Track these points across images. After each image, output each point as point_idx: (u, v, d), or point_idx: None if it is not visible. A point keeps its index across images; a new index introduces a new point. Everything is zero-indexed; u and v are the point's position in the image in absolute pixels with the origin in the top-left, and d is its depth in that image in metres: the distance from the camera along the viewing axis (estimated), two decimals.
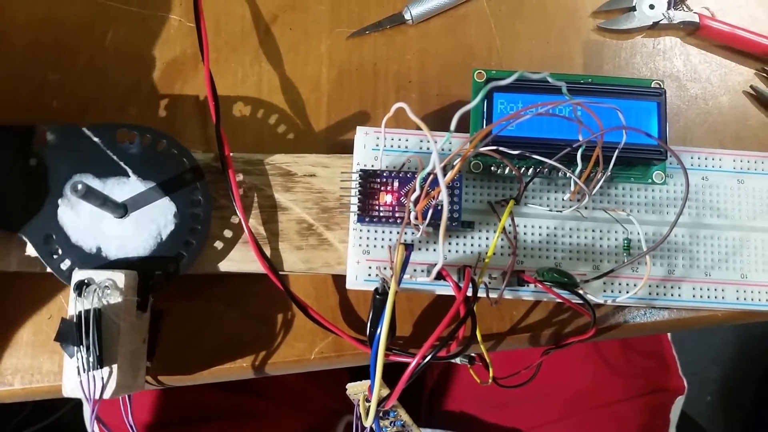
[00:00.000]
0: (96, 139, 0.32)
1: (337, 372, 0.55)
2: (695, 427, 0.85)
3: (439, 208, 0.29)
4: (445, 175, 0.28)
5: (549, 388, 0.61)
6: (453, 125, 0.23)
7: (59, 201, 0.32)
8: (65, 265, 0.31)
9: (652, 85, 0.32)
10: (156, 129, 0.32)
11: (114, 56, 0.36)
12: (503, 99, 0.31)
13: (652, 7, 0.37)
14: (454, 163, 0.27)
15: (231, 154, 0.33)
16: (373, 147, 0.32)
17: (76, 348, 0.28)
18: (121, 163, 0.32)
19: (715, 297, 0.32)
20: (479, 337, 0.31)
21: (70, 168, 0.32)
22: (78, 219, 0.31)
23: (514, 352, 0.36)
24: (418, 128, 0.35)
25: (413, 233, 0.31)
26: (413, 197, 0.26)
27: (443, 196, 0.21)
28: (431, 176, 0.26)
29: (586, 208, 0.32)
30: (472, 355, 0.32)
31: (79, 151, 0.32)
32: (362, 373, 0.31)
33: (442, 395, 0.62)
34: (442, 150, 0.32)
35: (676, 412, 0.63)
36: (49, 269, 0.31)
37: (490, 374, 0.32)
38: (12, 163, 0.32)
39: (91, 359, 0.28)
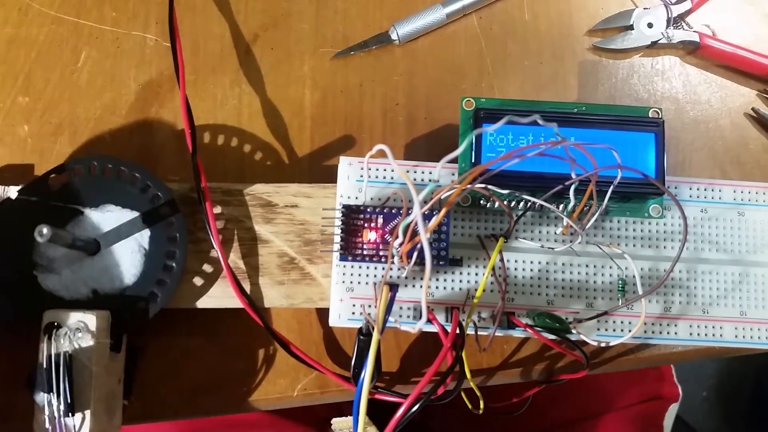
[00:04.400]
0: (33, 199, 0.31)
1: None
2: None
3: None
4: (431, 218, 0.27)
5: (541, 399, 0.60)
6: (437, 173, 0.22)
7: (35, 273, 0.30)
8: (33, 303, 0.30)
9: (650, 114, 0.30)
10: (125, 161, 0.31)
11: (87, 78, 0.35)
12: (492, 131, 0.30)
13: (650, 25, 0.35)
14: (444, 198, 0.25)
15: (209, 184, 0.31)
16: (357, 178, 0.31)
17: (46, 395, 0.27)
18: (68, 206, 0.31)
19: (713, 335, 0.30)
20: (468, 376, 0.30)
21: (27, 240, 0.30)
22: (61, 279, 0.30)
23: None
24: (405, 158, 0.34)
25: (399, 269, 0.30)
26: (397, 243, 0.25)
27: (426, 261, 0.19)
28: (414, 224, 0.24)
29: (579, 243, 0.30)
30: None
31: (26, 217, 0.31)
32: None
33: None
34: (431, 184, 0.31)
35: (670, 419, 0.63)
36: None
37: (481, 406, 0.31)
38: None
39: (62, 407, 0.27)
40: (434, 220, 0.25)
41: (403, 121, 0.35)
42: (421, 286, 0.30)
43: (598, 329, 0.30)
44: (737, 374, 1.07)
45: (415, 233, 0.26)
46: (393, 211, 0.29)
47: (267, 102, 0.35)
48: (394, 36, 0.35)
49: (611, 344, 0.29)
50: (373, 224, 0.29)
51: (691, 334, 0.30)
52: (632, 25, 0.35)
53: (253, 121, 0.35)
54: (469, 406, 0.32)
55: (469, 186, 0.25)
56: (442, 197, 0.26)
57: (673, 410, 0.63)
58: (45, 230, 0.26)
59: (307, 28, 0.36)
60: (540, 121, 0.23)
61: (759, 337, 0.31)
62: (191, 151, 0.31)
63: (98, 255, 0.30)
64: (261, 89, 0.35)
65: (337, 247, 0.29)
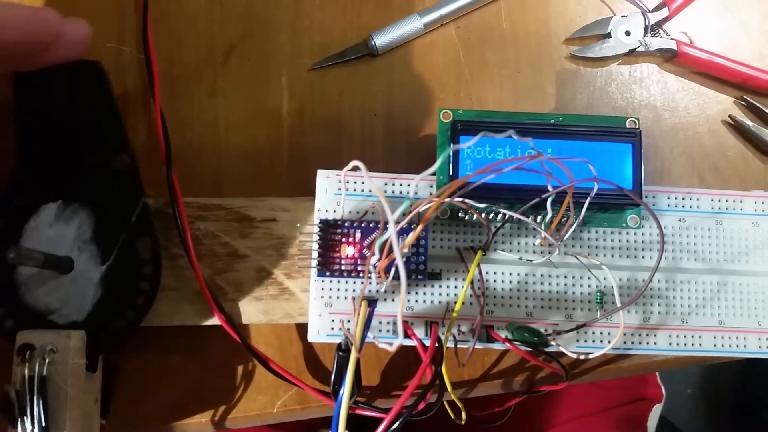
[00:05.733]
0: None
1: None
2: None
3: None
4: (409, 232, 0.27)
5: (525, 403, 0.60)
6: (412, 192, 0.22)
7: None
8: (8, 323, 0.29)
9: (627, 124, 0.30)
10: None
11: None
12: (467, 143, 0.29)
13: (628, 33, 0.35)
14: (422, 212, 0.25)
15: (184, 199, 0.31)
16: (335, 192, 0.31)
17: (19, 419, 0.27)
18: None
19: (692, 344, 0.31)
20: (449, 389, 0.29)
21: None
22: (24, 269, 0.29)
23: None
24: (385, 168, 0.34)
25: (378, 284, 0.30)
26: (373, 260, 0.25)
27: (402, 282, 0.19)
28: (389, 242, 0.24)
29: (557, 254, 0.30)
30: None
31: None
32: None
33: None
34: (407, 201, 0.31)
35: (654, 420, 0.63)
36: None
37: (463, 416, 0.31)
38: None
39: (36, 430, 0.27)
40: (411, 236, 0.25)
41: (381, 131, 0.35)
42: (398, 302, 0.30)
43: (578, 341, 0.30)
44: (721, 372, 1.08)
45: (391, 250, 0.26)
46: (371, 225, 0.29)
47: (244, 114, 0.34)
48: (371, 46, 0.35)
49: (590, 356, 0.29)
50: (351, 239, 0.29)
51: (670, 344, 0.30)
52: (610, 33, 0.35)
53: (229, 134, 0.34)
54: (452, 416, 0.32)
55: (446, 200, 0.25)
56: (420, 211, 0.25)
57: (657, 411, 0.63)
58: (13, 253, 0.26)
59: (284, 39, 0.35)
60: (515, 136, 0.23)
61: (737, 346, 0.31)
62: (166, 166, 0.31)
63: (71, 273, 0.30)
64: (238, 101, 0.35)
65: (315, 262, 0.29)
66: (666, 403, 0.63)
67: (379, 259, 0.25)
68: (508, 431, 0.60)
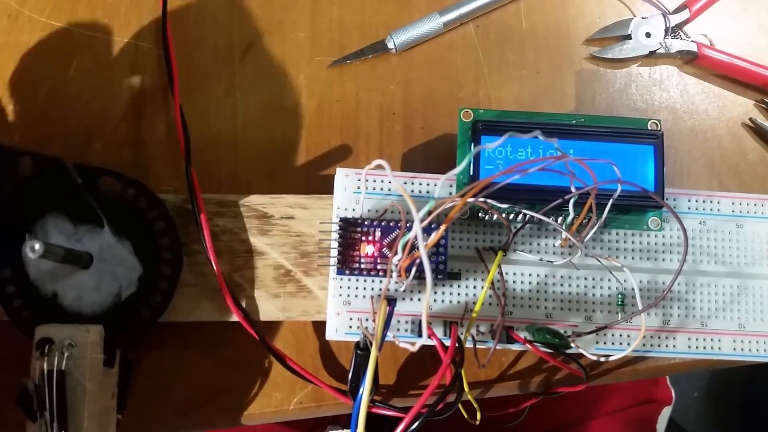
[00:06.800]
0: (80, 180, 0.30)
1: None
2: None
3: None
4: (430, 232, 0.27)
5: (535, 404, 0.60)
6: (437, 192, 0.22)
7: (27, 236, 0.30)
8: (25, 314, 0.29)
9: (649, 126, 0.30)
10: (136, 179, 0.30)
11: (78, 86, 0.34)
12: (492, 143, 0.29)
13: (648, 35, 0.35)
14: (443, 212, 0.25)
15: (203, 195, 0.31)
16: (354, 190, 0.31)
17: (38, 412, 0.27)
18: (100, 212, 0.30)
19: (711, 348, 0.30)
20: (467, 390, 0.29)
21: (45, 204, 0.30)
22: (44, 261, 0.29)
23: None
24: (402, 168, 0.34)
25: (397, 283, 0.30)
26: (396, 259, 0.25)
27: (427, 280, 0.19)
28: (412, 240, 0.24)
29: (578, 256, 0.30)
30: None
31: (58, 188, 0.30)
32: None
33: None
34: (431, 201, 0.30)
35: (663, 422, 0.63)
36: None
37: (478, 417, 0.31)
38: None
39: (55, 424, 0.27)
40: (434, 237, 0.24)
41: (399, 130, 0.35)
42: (419, 300, 0.30)
43: (597, 342, 0.30)
44: (729, 374, 1.08)
45: (413, 248, 0.26)
46: (391, 224, 0.29)
47: (262, 111, 0.34)
48: (390, 45, 0.35)
49: (610, 359, 0.29)
50: (370, 237, 0.29)
51: (689, 347, 0.30)
52: (630, 35, 0.35)
53: (248, 131, 0.34)
54: (466, 417, 0.32)
55: (469, 200, 0.25)
56: (441, 212, 0.25)
57: (666, 413, 0.63)
58: (37, 246, 0.25)
59: (302, 37, 0.35)
60: (541, 137, 0.23)
61: (757, 350, 0.30)
62: (185, 162, 0.31)
63: (91, 268, 0.30)
64: (256, 98, 0.35)
65: (334, 260, 0.29)
66: (673, 407, 0.63)
67: (401, 258, 0.25)
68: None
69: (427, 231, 0.27)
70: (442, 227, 0.24)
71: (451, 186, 0.31)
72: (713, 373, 1.10)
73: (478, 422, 0.31)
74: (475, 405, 0.31)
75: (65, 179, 0.30)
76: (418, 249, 0.25)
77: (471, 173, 0.29)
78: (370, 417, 0.29)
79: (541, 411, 0.61)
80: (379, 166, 0.24)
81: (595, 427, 0.61)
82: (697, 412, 1.09)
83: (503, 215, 0.28)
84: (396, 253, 0.24)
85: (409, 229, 0.27)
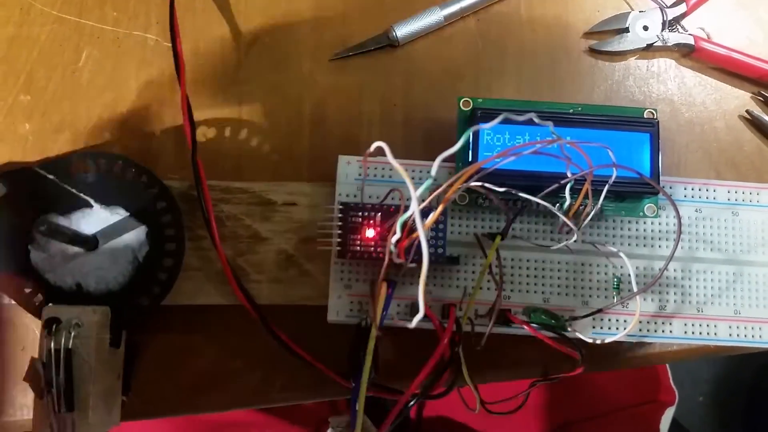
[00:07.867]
0: (50, 176, 0.31)
1: None
2: None
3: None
4: (428, 215, 0.27)
5: (537, 403, 0.60)
6: (434, 171, 0.22)
7: (29, 247, 0.31)
8: (37, 299, 0.30)
9: (645, 115, 0.31)
10: (117, 154, 0.32)
11: (88, 77, 0.35)
12: (489, 130, 0.30)
13: (646, 28, 0.36)
14: (441, 194, 0.26)
15: (208, 182, 0.32)
16: (355, 177, 0.31)
17: (45, 389, 0.27)
18: (81, 195, 0.31)
19: (707, 333, 0.31)
20: (466, 375, 0.30)
21: (33, 210, 0.31)
22: (52, 259, 0.30)
23: None
24: (404, 156, 0.35)
25: (396, 266, 0.30)
26: (394, 239, 0.25)
27: (423, 254, 0.20)
28: (411, 219, 0.24)
29: (575, 241, 0.31)
30: None
31: (37, 192, 0.31)
32: None
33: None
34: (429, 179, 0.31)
35: (666, 423, 0.63)
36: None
37: (478, 404, 0.31)
38: None
39: (62, 402, 0.27)
40: (432, 217, 0.25)
41: (401, 121, 0.35)
42: (418, 284, 0.30)
43: (594, 327, 0.31)
44: (733, 378, 1.07)
45: (412, 230, 0.26)
46: (391, 209, 0.29)
47: (266, 102, 0.35)
48: (392, 37, 0.35)
49: (606, 341, 0.29)
50: (371, 222, 0.29)
51: (686, 332, 0.31)
52: (628, 28, 0.36)
53: (252, 121, 0.35)
54: (466, 405, 0.32)
55: (465, 183, 0.25)
56: (439, 194, 0.26)
57: (669, 414, 0.63)
58: (44, 225, 0.26)
59: (306, 30, 0.36)
60: (536, 120, 0.23)
61: (753, 336, 0.31)
62: (191, 151, 0.32)
63: (97, 251, 0.30)
64: (260, 89, 0.35)
65: (335, 245, 0.29)
66: (677, 410, 0.63)
67: (399, 239, 0.26)
68: (522, 430, 0.60)
69: (425, 214, 0.28)
70: (440, 207, 0.25)
71: (450, 174, 0.31)
72: (718, 378, 1.09)
73: (477, 410, 0.32)
74: (474, 391, 0.31)
75: (40, 182, 0.31)
76: (416, 229, 0.26)
77: (470, 160, 0.30)
78: (372, 400, 0.29)
79: (544, 409, 0.61)
80: (379, 150, 0.25)
81: (597, 426, 0.61)
82: (702, 417, 1.08)
83: (501, 200, 0.29)
84: (394, 233, 0.25)
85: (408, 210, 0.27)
